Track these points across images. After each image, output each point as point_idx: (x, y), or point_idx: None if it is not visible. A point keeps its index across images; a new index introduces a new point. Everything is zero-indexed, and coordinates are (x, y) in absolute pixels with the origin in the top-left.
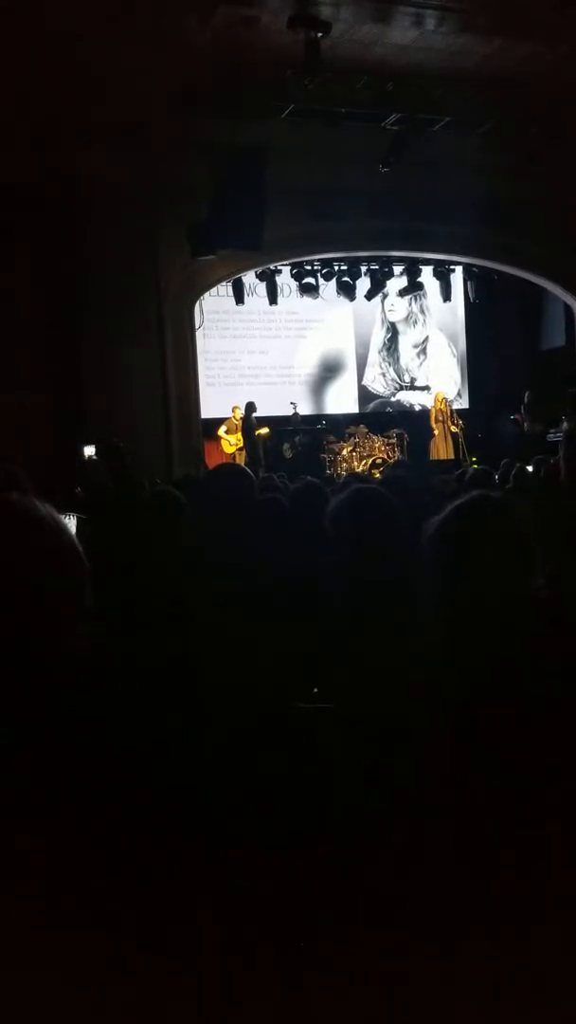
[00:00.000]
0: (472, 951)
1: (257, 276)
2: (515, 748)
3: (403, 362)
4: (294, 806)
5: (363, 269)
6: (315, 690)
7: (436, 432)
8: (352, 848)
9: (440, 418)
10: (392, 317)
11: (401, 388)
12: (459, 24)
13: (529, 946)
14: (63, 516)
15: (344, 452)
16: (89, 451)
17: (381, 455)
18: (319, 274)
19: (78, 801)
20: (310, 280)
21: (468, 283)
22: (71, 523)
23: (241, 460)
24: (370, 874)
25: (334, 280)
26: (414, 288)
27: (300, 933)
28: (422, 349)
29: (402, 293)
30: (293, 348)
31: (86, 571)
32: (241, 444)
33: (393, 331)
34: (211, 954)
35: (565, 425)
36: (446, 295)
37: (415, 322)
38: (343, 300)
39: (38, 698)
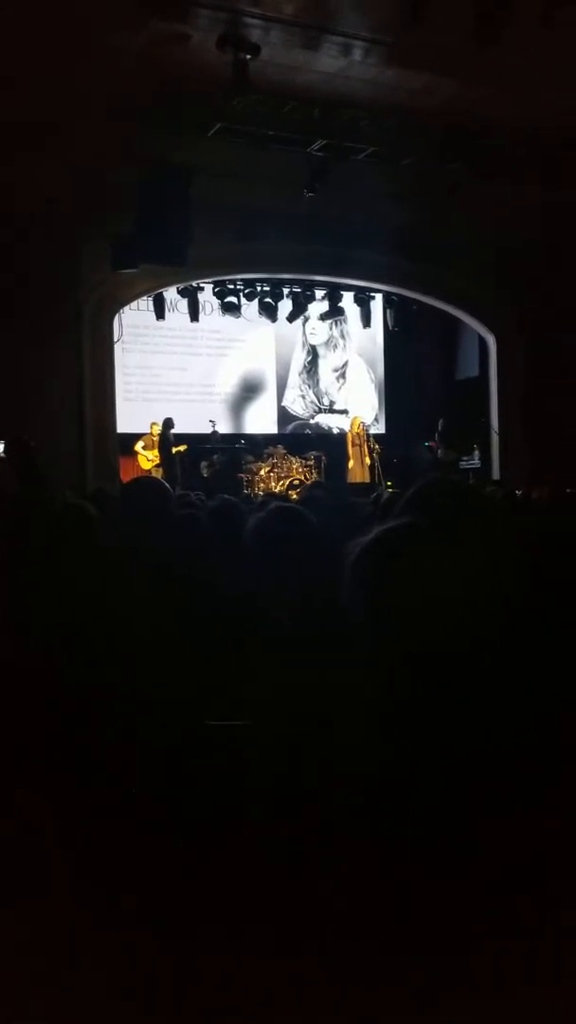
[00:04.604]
0: (376, 971)
1: (179, 292)
2: (435, 771)
3: (323, 385)
4: (206, 820)
5: (285, 291)
6: (230, 707)
7: (353, 456)
8: (260, 862)
9: (357, 442)
10: (313, 340)
11: (320, 411)
12: (386, 57)
13: (444, 972)
14: None
15: (262, 472)
16: None
17: (298, 476)
18: (241, 294)
19: None
20: (232, 299)
21: (387, 311)
22: None
23: (158, 476)
24: (277, 886)
25: (256, 300)
26: (335, 313)
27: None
28: (341, 373)
29: (323, 317)
30: (214, 366)
31: None
32: (158, 460)
33: (313, 354)
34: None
35: (477, 454)
36: (366, 321)
37: (335, 346)
38: (265, 321)
39: None
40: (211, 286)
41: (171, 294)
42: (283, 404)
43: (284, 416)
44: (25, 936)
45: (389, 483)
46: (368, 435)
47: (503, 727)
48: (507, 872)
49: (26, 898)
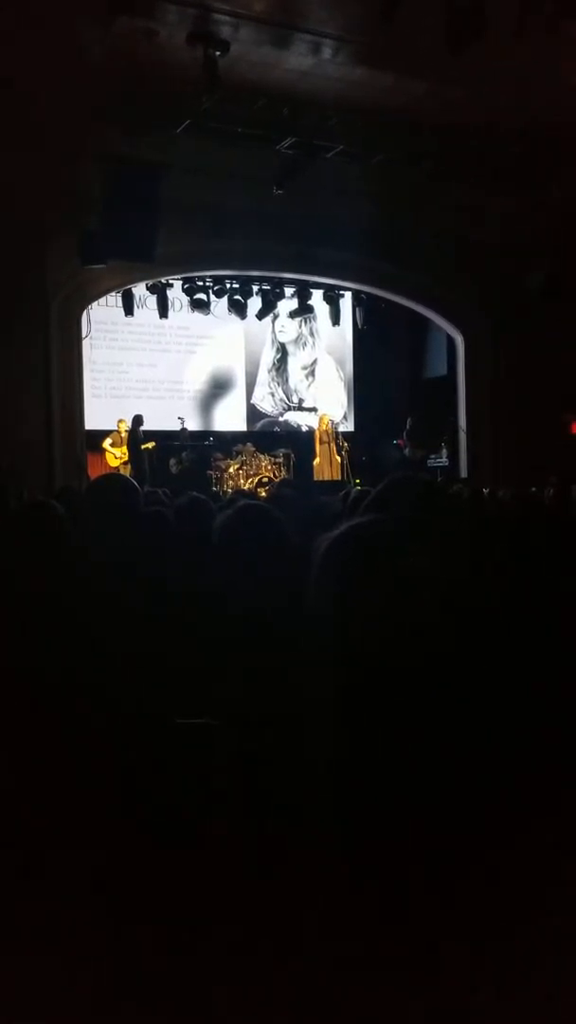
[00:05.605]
0: (354, 977)
1: (148, 288)
2: (405, 770)
3: (292, 383)
4: (176, 821)
5: (255, 288)
6: (199, 706)
7: (321, 453)
8: (231, 861)
9: (326, 440)
10: (282, 338)
11: (289, 408)
12: (355, 56)
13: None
14: None
15: (231, 470)
16: None
17: (267, 474)
18: (211, 290)
19: None
20: (201, 296)
21: (357, 309)
22: None
23: (126, 474)
24: (249, 887)
25: (226, 297)
26: (304, 311)
27: (192, 949)
28: (311, 371)
29: (292, 315)
30: (183, 363)
31: None
32: (127, 458)
33: (283, 351)
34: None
35: (445, 452)
36: (335, 319)
37: (304, 344)
38: (234, 318)
39: None
40: (180, 283)
41: (140, 290)
42: (252, 401)
43: (253, 413)
44: (24, 937)
45: (357, 481)
46: (337, 433)
47: (475, 726)
48: (487, 869)
49: (23, 898)
